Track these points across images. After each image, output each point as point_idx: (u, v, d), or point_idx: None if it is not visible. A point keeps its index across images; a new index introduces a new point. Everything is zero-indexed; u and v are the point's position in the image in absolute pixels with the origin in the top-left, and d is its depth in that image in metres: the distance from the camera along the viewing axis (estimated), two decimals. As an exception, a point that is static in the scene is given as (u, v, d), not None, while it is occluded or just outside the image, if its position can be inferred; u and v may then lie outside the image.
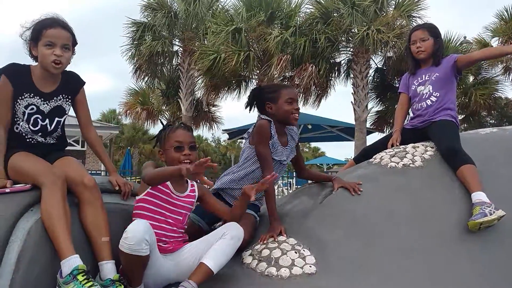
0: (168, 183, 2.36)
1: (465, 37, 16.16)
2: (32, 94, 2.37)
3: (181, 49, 16.77)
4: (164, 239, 2.29)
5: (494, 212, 2.35)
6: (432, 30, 3.15)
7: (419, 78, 3.18)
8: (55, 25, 2.33)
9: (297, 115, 2.72)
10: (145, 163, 2.48)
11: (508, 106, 16.84)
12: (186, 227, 2.44)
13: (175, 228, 2.34)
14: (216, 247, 2.19)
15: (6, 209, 2.01)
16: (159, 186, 2.33)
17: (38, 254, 1.97)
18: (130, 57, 16.46)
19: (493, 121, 20.12)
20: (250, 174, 2.74)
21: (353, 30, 13.37)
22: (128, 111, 19.46)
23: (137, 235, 1.97)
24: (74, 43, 2.42)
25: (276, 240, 2.38)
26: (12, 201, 2.07)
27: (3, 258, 1.89)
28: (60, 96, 2.45)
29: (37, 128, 2.39)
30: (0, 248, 1.90)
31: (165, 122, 2.59)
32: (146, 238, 2.00)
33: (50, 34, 2.31)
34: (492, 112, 17.25)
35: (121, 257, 2.06)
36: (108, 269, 2.12)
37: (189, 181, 2.46)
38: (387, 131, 16.14)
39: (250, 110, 2.85)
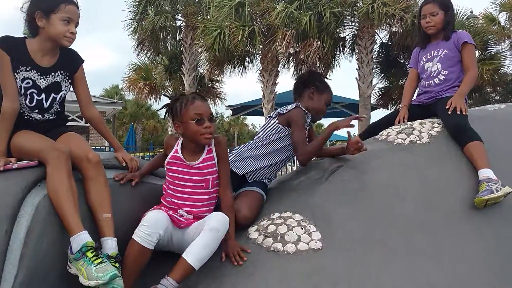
0: (179, 153, 2.38)
1: (471, 12, 15.90)
2: (29, 67, 2.31)
3: (184, 24, 16.57)
4: (187, 209, 2.33)
5: (500, 189, 2.35)
6: (442, 3, 3.07)
7: (427, 54, 3.13)
8: (72, 3, 2.33)
9: (323, 114, 2.93)
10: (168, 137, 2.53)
11: (514, 82, 16.65)
12: (215, 188, 2.41)
13: (199, 197, 2.35)
14: (197, 240, 2.13)
15: (14, 185, 2.01)
16: (169, 159, 2.39)
17: (46, 229, 1.97)
18: (133, 32, 16.30)
19: (498, 97, 19.97)
20: (274, 152, 2.76)
21: (358, 4, 13.15)
22: (131, 87, 19.42)
23: (153, 226, 2.10)
24: None
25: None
26: (20, 177, 2.06)
27: (12, 233, 1.90)
28: (58, 72, 2.40)
29: (33, 104, 2.34)
30: (9, 223, 1.90)
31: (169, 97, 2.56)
32: (161, 233, 2.12)
33: (69, 10, 2.29)
34: (498, 88, 17.10)
35: (129, 247, 2.11)
36: (109, 245, 2.10)
37: (206, 146, 2.40)
38: (391, 107, 16.07)
39: (300, 85, 2.95)
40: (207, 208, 2.37)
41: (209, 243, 2.12)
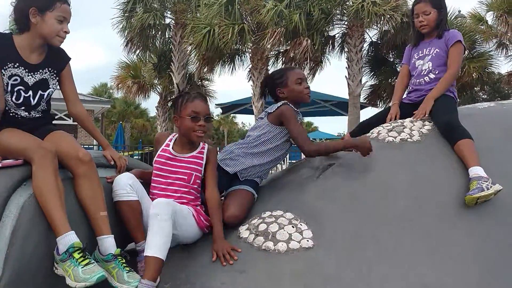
0: (170, 145, 2.50)
1: (459, 11, 16.05)
2: (17, 64, 2.27)
3: (173, 21, 16.48)
4: (166, 198, 2.34)
5: (491, 186, 2.35)
6: (435, 1, 3.04)
7: (419, 52, 3.13)
8: (66, 2, 2.32)
9: (309, 92, 2.84)
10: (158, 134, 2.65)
11: (501, 81, 16.84)
12: (196, 187, 2.47)
13: (177, 188, 2.42)
14: (148, 233, 2.14)
15: (-1, 184, 1.96)
16: (159, 152, 2.50)
17: (32, 229, 1.94)
18: (122, 30, 16.18)
19: (486, 96, 20.21)
20: (265, 152, 2.73)
21: (347, 3, 13.18)
22: (119, 85, 19.26)
23: (120, 181, 2.30)
24: None
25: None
26: (5, 175, 2.02)
27: (-3, 233, 1.86)
28: (46, 69, 2.36)
29: (20, 101, 2.29)
30: (-6, 223, 1.86)
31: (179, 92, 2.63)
32: (129, 183, 2.30)
33: (64, 9, 2.30)
34: (485, 87, 17.29)
35: (119, 212, 2.29)
36: (108, 243, 2.11)
37: (201, 144, 2.52)
38: (381, 106, 16.14)
39: (265, 99, 2.98)
40: (185, 201, 2.41)
41: (156, 229, 2.11)
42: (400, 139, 2.77)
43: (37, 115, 2.39)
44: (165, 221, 2.12)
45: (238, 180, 2.68)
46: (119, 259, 2.08)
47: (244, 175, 2.69)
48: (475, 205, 2.37)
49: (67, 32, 2.32)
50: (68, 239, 1.95)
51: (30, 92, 2.32)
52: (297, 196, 2.52)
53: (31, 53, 2.31)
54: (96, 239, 2.14)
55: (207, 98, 2.58)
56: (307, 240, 2.22)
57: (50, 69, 2.38)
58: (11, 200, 1.95)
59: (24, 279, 1.87)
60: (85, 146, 11.99)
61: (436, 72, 3.02)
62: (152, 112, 36.84)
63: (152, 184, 2.46)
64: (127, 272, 2.06)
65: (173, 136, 2.56)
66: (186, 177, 2.43)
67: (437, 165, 2.61)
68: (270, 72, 3.02)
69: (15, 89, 2.27)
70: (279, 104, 2.75)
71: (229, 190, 2.64)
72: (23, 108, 2.32)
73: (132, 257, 2.27)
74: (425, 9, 3.04)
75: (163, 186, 2.44)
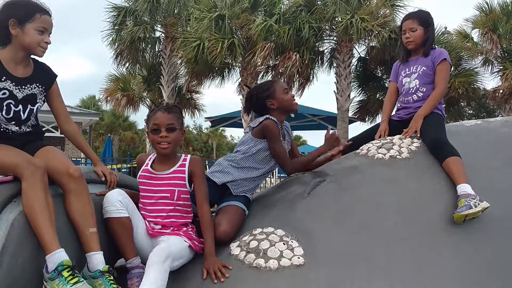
0: (149, 166, 2.48)
1: (445, 28, 16.37)
2: (4, 78, 2.25)
3: (163, 35, 16.53)
4: (154, 219, 2.39)
5: (478, 204, 2.38)
6: (422, 19, 3.12)
7: (406, 69, 3.18)
8: (47, 13, 2.31)
9: (295, 100, 2.95)
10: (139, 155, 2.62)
11: (487, 97, 17.13)
12: (182, 203, 2.44)
13: (163, 207, 2.40)
14: (143, 281, 2.03)
15: (-12, 201, 1.94)
16: (140, 173, 2.49)
17: (22, 247, 1.91)
18: (111, 42, 16.19)
19: (472, 112, 20.50)
20: (253, 165, 2.79)
21: (337, 19, 13.37)
22: (108, 97, 19.18)
23: (110, 198, 2.29)
24: None
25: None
26: (-6, 192, 2.00)
27: (-14, 251, 1.83)
28: (34, 85, 2.36)
29: (10, 115, 2.28)
30: (-18, 241, 1.84)
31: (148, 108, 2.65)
32: (119, 199, 2.29)
33: (44, 20, 2.29)
34: (471, 102, 17.55)
35: (109, 229, 2.28)
36: (97, 260, 2.09)
37: (183, 156, 2.50)
38: (369, 121, 16.29)
39: (249, 114, 3.03)
40: (173, 220, 2.40)
41: (152, 279, 1.99)
42: (390, 156, 2.81)
43: (27, 130, 2.38)
44: (161, 269, 2.03)
45: (229, 193, 2.69)
46: (107, 276, 2.06)
47: (235, 188, 2.70)
48: (464, 222, 2.40)
49: (48, 43, 2.31)
50: (57, 257, 1.93)
51: (20, 106, 2.31)
52: (288, 213, 2.53)
53: (16, 65, 2.30)
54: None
55: (176, 108, 2.54)
56: (298, 257, 2.22)
57: (38, 84, 2.38)
58: (1, 217, 1.93)
59: (12, 298, 1.84)
60: (72, 159, 11.87)
61: (424, 90, 3.07)
62: (141, 125, 36.76)
63: (139, 205, 2.45)
64: None
65: (153, 155, 2.54)
66: (169, 195, 2.41)
67: (426, 182, 2.64)
68: (251, 90, 3.05)
69: (4, 103, 2.26)
70: (262, 118, 2.79)
71: (220, 206, 2.64)
72: (13, 122, 2.31)
73: (122, 274, 2.25)
74: (412, 26, 3.10)
75: (148, 207, 2.42)
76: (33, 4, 2.29)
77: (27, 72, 2.34)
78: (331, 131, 2.88)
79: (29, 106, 2.35)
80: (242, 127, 14.61)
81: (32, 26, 2.25)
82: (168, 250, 2.10)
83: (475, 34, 16.13)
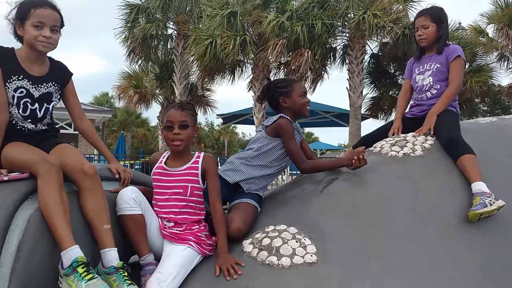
0: (163, 163, 2.50)
1: (460, 23, 16.15)
2: (21, 76, 2.29)
3: (176, 32, 16.58)
4: (167, 215, 2.41)
5: (494, 202, 2.36)
6: (435, 15, 3.08)
7: (420, 67, 3.16)
8: (44, 5, 2.28)
9: (308, 107, 2.92)
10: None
11: (502, 93, 16.89)
12: (195, 199, 2.44)
13: (176, 203, 2.41)
14: None
15: (5, 198, 1.97)
16: (154, 170, 2.51)
17: (38, 243, 1.94)
18: (124, 40, 16.30)
19: (486, 108, 20.22)
20: (266, 163, 2.79)
21: (349, 15, 13.28)
22: (121, 95, 19.33)
23: (123, 195, 2.32)
24: (62, 25, 2.37)
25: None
26: (11, 189, 2.03)
27: (3, 247, 1.87)
28: (50, 83, 2.39)
29: (26, 113, 2.32)
30: (0, 236, 1.87)
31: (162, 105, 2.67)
32: (133, 196, 2.32)
33: (39, 14, 2.25)
34: (486, 99, 17.31)
35: (122, 226, 2.31)
36: (111, 256, 2.11)
37: (196, 154, 2.52)
38: (382, 117, 16.18)
39: (262, 103, 3.04)
40: (186, 216, 2.41)
41: None
42: (403, 153, 2.79)
43: (42, 128, 2.42)
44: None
45: (241, 191, 2.70)
46: (121, 272, 2.08)
47: (248, 186, 2.71)
48: (478, 221, 2.38)
49: (47, 37, 2.26)
50: (72, 253, 1.95)
51: (36, 105, 2.35)
52: (300, 210, 2.53)
53: (32, 64, 2.33)
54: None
55: (190, 105, 2.56)
56: (311, 255, 2.22)
57: (54, 83, 2.41)
58: (18, 214, 1.96)
59: (29, 293, 1.87)
60: (86, 155, 12.00)
61: (438, 87, 3.04)
62: (153, 122, 36.94)
63: (153, 202, 2.47)
64: (127, 285, 2.05)
65: (167, 153, 2.56)
66: (182, 191, 2.42)
67: (440, 180, 2.62)
68: (266, 84, 3.04)
69: (22, 101, 2.30)
70: (276, 117, 2.79)
71: (232, 203, 2.65)
72: (29, 120, 2.35)
73: (135, 270, 2.28)
74: (424, 23, 3.07)
75: (161, 203, 2.44)
76: (27, 1, 2.29)
77: (43, 70, 2.37)
78: (361, 148, 2.78)
79: (45, 104, 2.38)
80: (253, 124, 14.59)
81: (29, 23, 2.26)
82: (157, 280, 2.11)
83: (490, 30, 15.92)
